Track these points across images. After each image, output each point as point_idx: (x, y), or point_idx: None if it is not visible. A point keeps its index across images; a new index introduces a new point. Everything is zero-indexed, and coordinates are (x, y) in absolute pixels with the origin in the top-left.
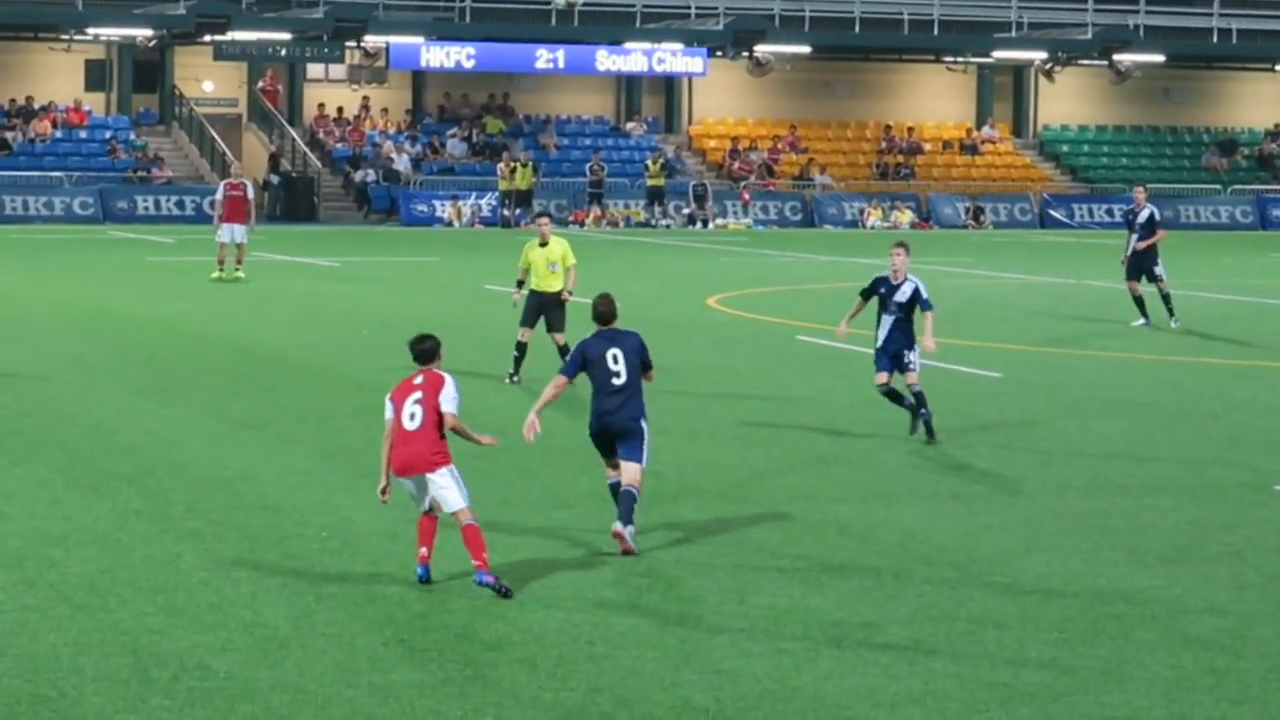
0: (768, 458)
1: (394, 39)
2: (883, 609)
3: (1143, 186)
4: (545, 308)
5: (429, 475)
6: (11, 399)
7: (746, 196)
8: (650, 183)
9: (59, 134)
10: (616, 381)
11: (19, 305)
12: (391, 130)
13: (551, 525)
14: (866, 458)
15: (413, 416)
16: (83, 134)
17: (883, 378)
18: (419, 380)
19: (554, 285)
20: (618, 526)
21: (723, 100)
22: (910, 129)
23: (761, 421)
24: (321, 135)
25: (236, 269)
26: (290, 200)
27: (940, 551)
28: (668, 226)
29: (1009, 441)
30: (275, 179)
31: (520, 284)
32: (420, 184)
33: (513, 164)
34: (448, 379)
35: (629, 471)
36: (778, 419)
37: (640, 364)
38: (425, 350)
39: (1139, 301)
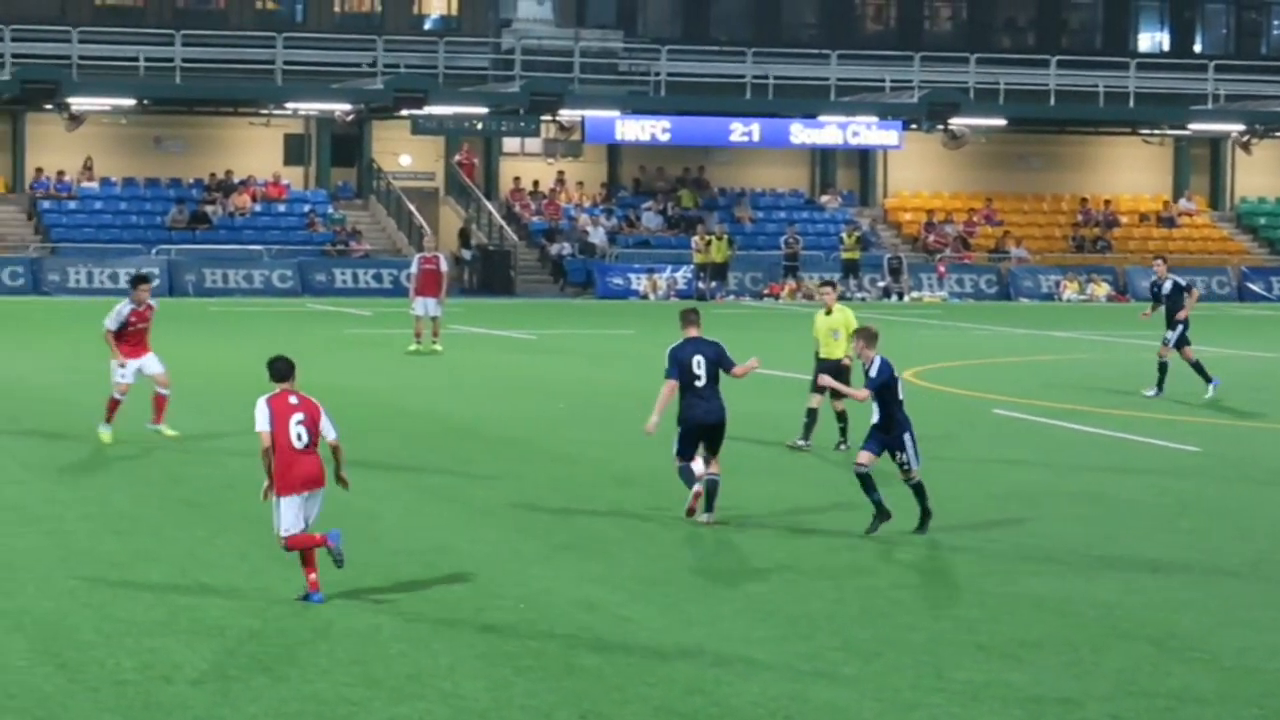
0: (959, 525)
1: (590, 113)
2: (1081, 684)
3: (1163, 259)
4: (828, 374)
5: (319, 491)
6: (213, 470)
7: (942, 269)
8: (845, 256)
9: (258, 207)
10: (699, 384)
11: (220, 377)
12: (587, 203)
13: (747, 598)
14: (1063, 531)
15: (299, 437)
16: (282, 207)
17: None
18: (294, 400)
19: (836, 352)
20: (708, 517)
21: (918, 173)
22: (1106, 201)
23: (956, 495)
24: (518, 208)
25: (433, 341)
26: (487, 273)
27: (1139, 626)
28: (863, 299)
29: (1206, 516)
30: (467, 253)
31: (819, 355)
32: (616, 257)
33: (708, 237)
34: (321, 406)
35: (714, 463)
36: (974, 493)
37: (719, 368)
38: (280, 369)
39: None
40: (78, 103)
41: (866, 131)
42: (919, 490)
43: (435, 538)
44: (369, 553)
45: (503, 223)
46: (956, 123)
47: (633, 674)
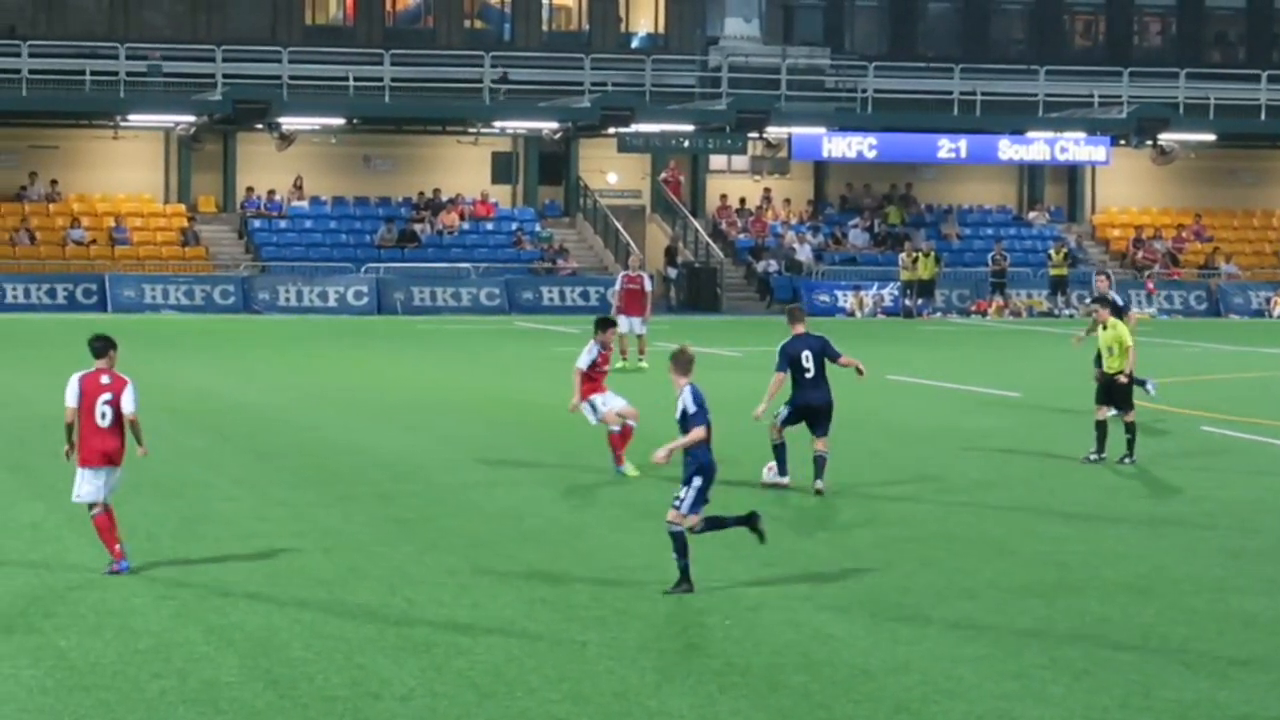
0: (1173, 549)
1: (796, 129)
2: None
3: (1106, 275)
4: (1110, 388)
5: (118, 468)
6: (421, 487)
7: (1151, 285)
8: (1053, 272)
9: (466, 226)
10: (808, 375)
11: (427, 395)
12: (793, 220)
13: (955, 616)
14: (1275, 550)
15: (104, 415)
16: (489, 226)
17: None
18: (105, 380)
19: (1113, 366)
20: (819, 484)
21: (1126, 188)
22: None
23: (1167, 512)
24: (724, 225)
25: (640, 359)
26: (693, 290)
27: None
28: (1070, 316)
29: None
30: (673, 271)
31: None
32: (822, 274)
33: (915, 253)
34: (129, 382)
35: (822, 441)
36: (1184, 510)
37: (825, 360)
38: (99, 347)
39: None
40: (288, 122)
41: (1075, 147)
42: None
43: (643, 555)
44: (577, 569)
45: (709, 240)
46: (1165, 138)
47: (838, 692)
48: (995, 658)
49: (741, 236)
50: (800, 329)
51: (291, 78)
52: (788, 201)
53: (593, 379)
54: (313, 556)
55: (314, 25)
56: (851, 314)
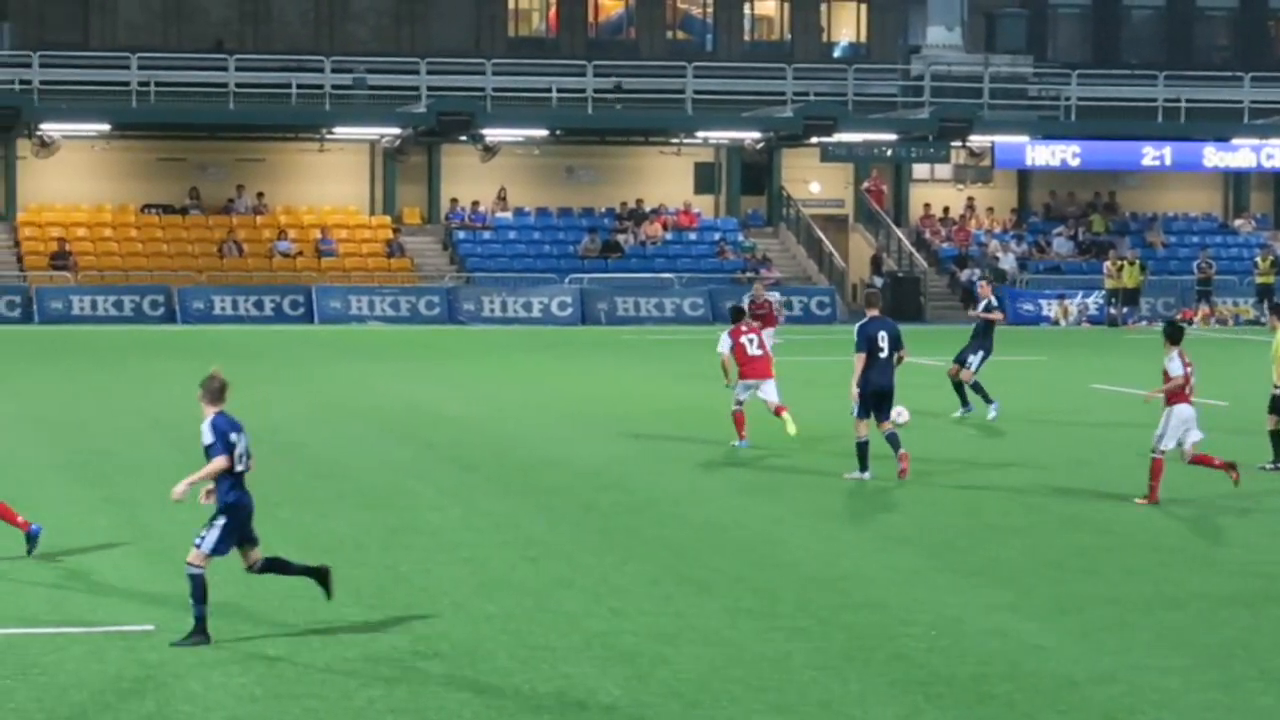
0: None
1: (999, 138)
2: None
3: (987, 281)
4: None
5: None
6: (623, 495)
7: None
8: (1259, 280)
9: (669, 236)
10: (881, 355)
11: (630, 405)
12: (997, 229)
13: (1161, 626)
14: None
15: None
16: (692, 236)
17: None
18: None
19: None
20: (902, 452)
21: None
22: None
23: None
24: (927, 235)
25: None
26: (897, 299)
27: None
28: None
29: None
30: (879, 280)
31: None
32: (1026, 283)
33: (1119, 262)
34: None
35: (886, 424)
36: None
37: (897, 343)
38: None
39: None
40: (492, 134)
41: None
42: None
43: (846, 564)
44: (781, 579)
45: (912, 249)
46: None
47: (1044, 702)
48: (1202, 668)
49: (945, 245)
50: (876, 312)
51: (495, 89)
52: (991, 210)
53: (750, 362)
54: (518, 566)
55: (517, 37)
56: (1056, 323)
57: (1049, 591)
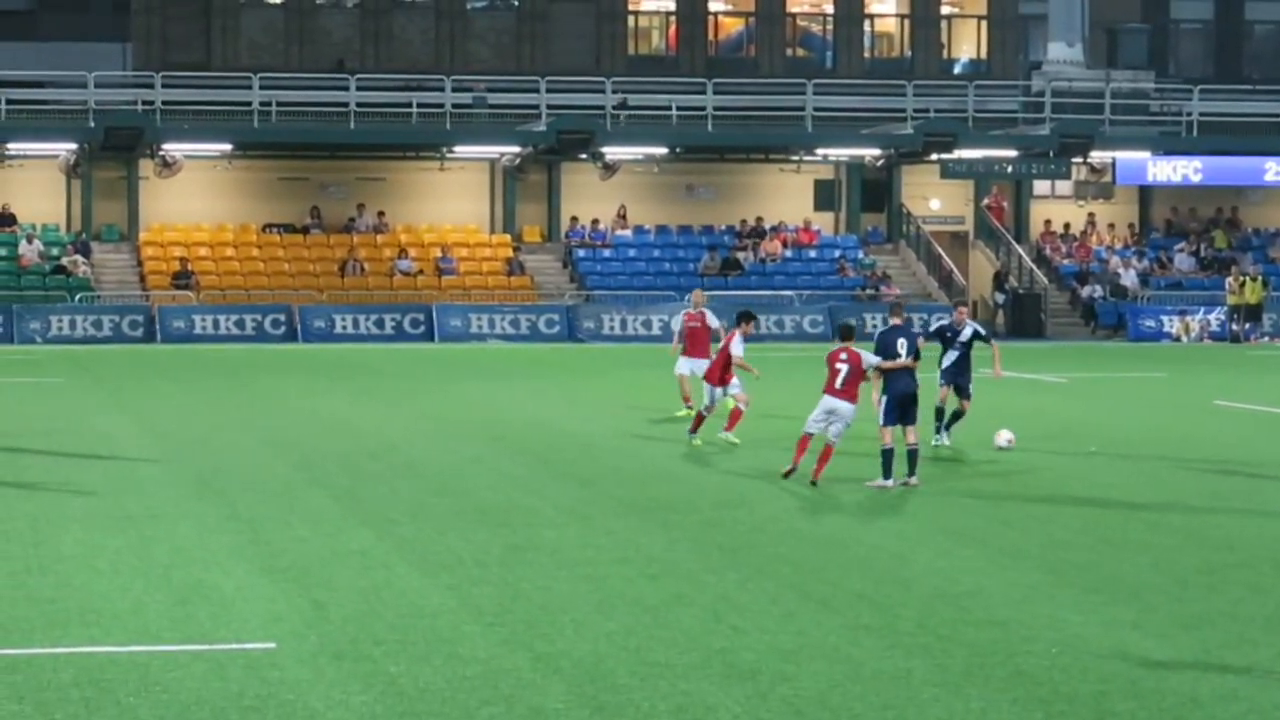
0: None
1: (1120, 154)
2: None
3: (964, 306)
4: None
5: None
6: (743, 514)
7: None
8: None
9: (789, 253)
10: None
11: (749, 422)
12: (1118, 245)
13: None
14: None
15: None
16: (812, 253)
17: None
18: None
19: None
20: (913, 480)
21: None
22: None
23: None
24: (1048, 251)
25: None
26: (1018, 316)
27: None
28: None
29: None
30: (1001, 297)
31: None
32: (1147, 299)
33: (1241, 278)
34: None
35: (911, 433)
36: None
37: (915, 349)
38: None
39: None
40: (612, 152)
41: None
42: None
43: (967, 581)
44: (901, 596)
45: (1033, 265)
46: None
47: None
48: None
49: (1066, 262)
50: (898, 320)
51: (615, 108)
52: (1112, 226)
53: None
54: (637, 583)
55: (637, 55)
56: (1178, 339)
57: (1171, 609)
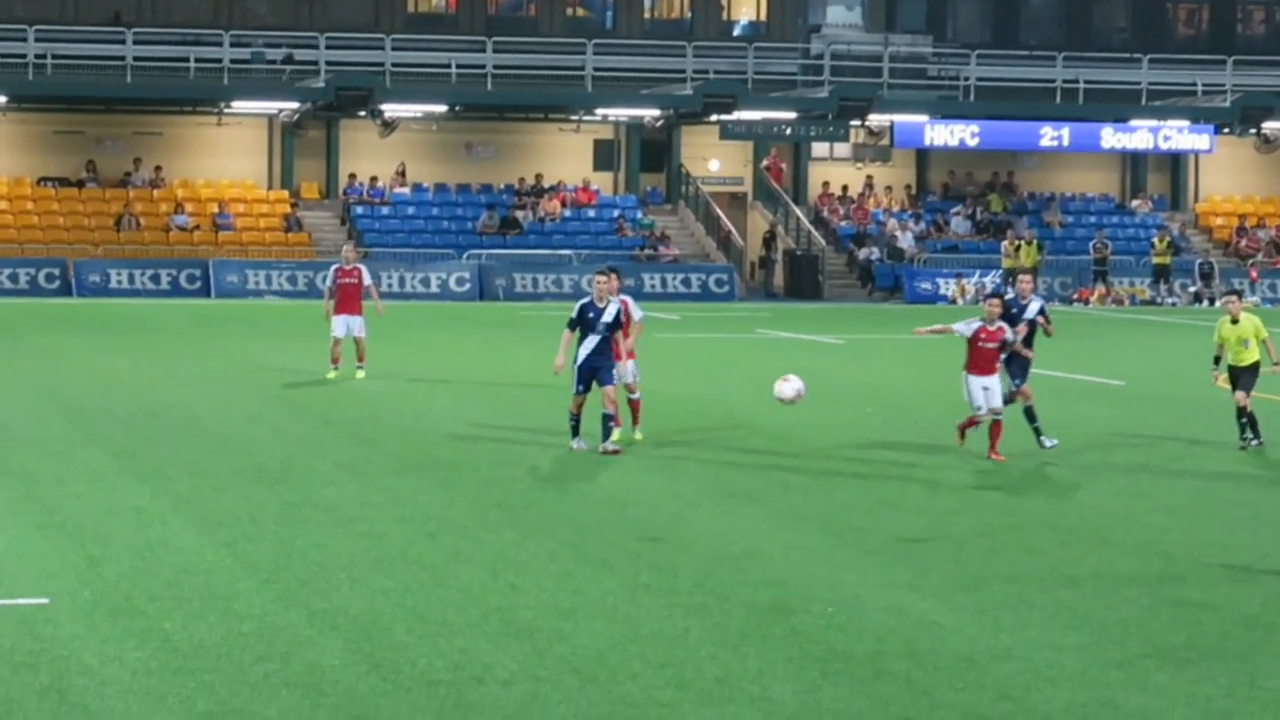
0: (1276, 538)
1: (899, 117)
2: None
3: (1028, 276)
4: (1240, 379)
5: None
6: (523, 472)
7: (1254, 274)
8: (1155, 260)
9: (568, 213)
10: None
11: (530, 380)
12: (895, 208)
13: (1058, 605)
14: None
15: None
16: (591, 213)
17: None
18: None
19: (1245, 359)
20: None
21: (1230, 178)
22: None
23: (1272, 501)
24: (826, 213)
25: (358, 366)
26: (795, 278)
27: None
28: (1173, 304)
29: None
30: (773, 257)
31: (1217, 360)
32: (924, 261)
33: (1017, 241)
34: None
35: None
36: (1263, 498)
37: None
38: None
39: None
40: (391, 109)
41: (1178, 136)
42: None
43: (745, 541)
44: (680, 556)
45: (810, 228)
46: (1270, 126)
47: (941, 679)
48: (1098, 646)
49: (843, 224)
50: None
51: (394, 65)
52: (889, 189)
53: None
54: (416, 541)
55: (416, 13)
56: (953, 301)
57: (947, 570)
